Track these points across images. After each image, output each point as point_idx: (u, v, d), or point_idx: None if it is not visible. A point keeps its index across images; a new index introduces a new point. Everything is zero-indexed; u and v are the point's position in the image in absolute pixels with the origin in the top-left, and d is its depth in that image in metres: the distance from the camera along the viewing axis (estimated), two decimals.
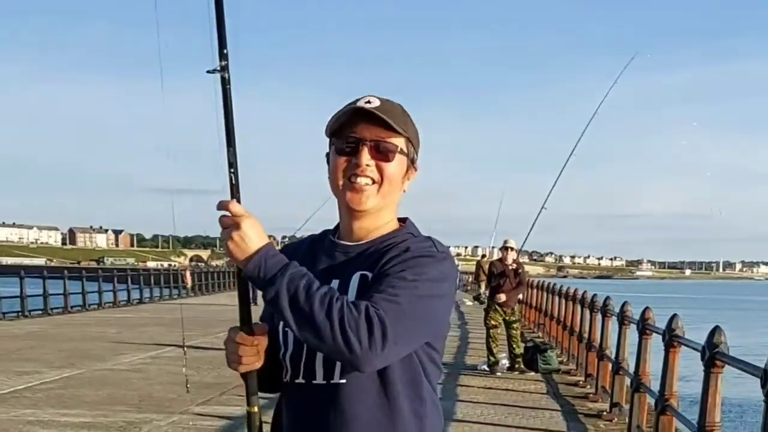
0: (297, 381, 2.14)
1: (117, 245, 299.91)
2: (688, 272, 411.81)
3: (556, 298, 17.14)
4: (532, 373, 12.55)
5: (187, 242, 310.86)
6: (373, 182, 2.12)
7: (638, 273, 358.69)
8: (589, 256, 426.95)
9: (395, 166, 2.14)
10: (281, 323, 2.11)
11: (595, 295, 12.45)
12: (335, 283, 2.09)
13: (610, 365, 10.04)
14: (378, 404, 2.09)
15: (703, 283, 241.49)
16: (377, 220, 2.19)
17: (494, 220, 33.01)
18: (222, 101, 2.07)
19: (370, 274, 2.09)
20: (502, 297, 12.71)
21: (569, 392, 11.08)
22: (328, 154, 2.18)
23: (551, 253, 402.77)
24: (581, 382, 11.81)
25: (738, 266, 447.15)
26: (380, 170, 2.12)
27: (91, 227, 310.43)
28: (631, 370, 8.64)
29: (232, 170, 2.07)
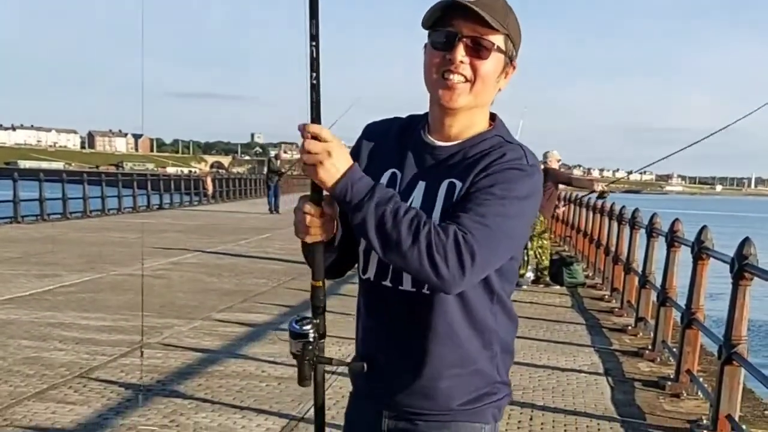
0: (383, 283, 2.12)
1: (137, 150, 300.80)
2: (719, 188, 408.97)
3: (584, 211, 16.92)
4: (557, 287, 12.44)
5: (207, 148, 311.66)
6: (466, 80, 2.03)
7: (668, 188, 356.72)
8: (618, 170, 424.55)
9: (491, 64, 2.04)
10: None
11: (623, 207, 12.23)
12: (422, 185, 2.08)
13: (636, 279, 9.89)
14: (457, 316, 2.09)
15: (734, 199, 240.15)
16: (468, 119, 2.10)
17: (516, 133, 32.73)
18: None
19: (458, 183, 2.03)
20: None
21: (594, 306, 10.96)
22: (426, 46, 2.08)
23: (579, 166, 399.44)
24: (606, 297, 11.71)
25: None
26: (474, 68, 2.03)
27: (110, 131, 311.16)
28: (658, 284, 8.49)
29: (314, 43, 1.94)
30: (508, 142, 2.09)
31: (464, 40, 2.01)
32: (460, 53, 2.01)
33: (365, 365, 2.17)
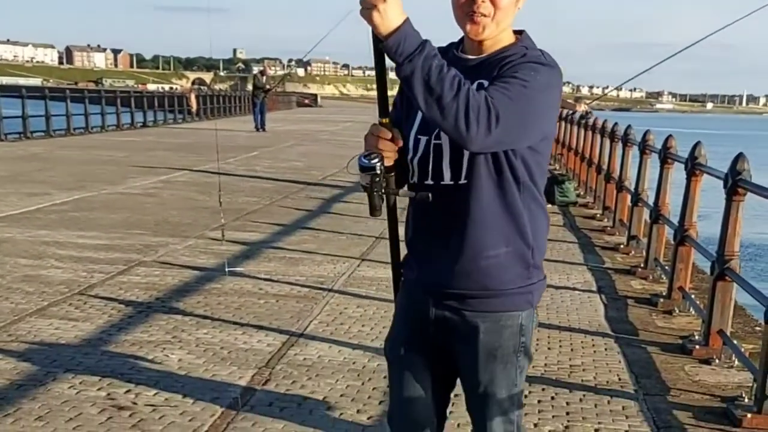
0: (426, 182, 2.46)
1: (116, 66, 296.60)
2: (709, 105, 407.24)
3: (574, 128, 16.72)
4: (549, 206, 12.45)
5: (189, 64, 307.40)
6: (487, 15, 2.36)
7: (658, 105, 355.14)
8: (608, 87, 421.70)
9: None
10: (412, 131, 2.46)
11: (615, 123, 12.14)
12: None
13: (628, 197, 9.94)
14: (491, 203, 2.41)
15: (725, 117, 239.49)
16: (497, 38, 2.43)
17: None
18: None
19: (485, 82, 2.30)
20: None
21: (586, 225, 11.04)
22: None
23: (568, 83, 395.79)
24: (598, 215, 11.77)
25: (762, 100, 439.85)
26: (494, 3, 2.35)
27: (88, 46, 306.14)
28: (650, 202, 8.54)
29: None
30: (533, 49, 2.42)
31: None
32: None
33: (429, 195, 2.40)
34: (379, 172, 2.36)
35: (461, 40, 2.50)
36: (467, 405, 2.68)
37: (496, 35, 2.41)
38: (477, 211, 2.40)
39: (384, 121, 2.40)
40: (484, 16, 2.35)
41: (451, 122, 2.15)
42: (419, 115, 2.43)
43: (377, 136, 2.39)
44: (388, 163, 2.39)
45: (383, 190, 2.40)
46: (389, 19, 2.11)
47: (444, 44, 2.53)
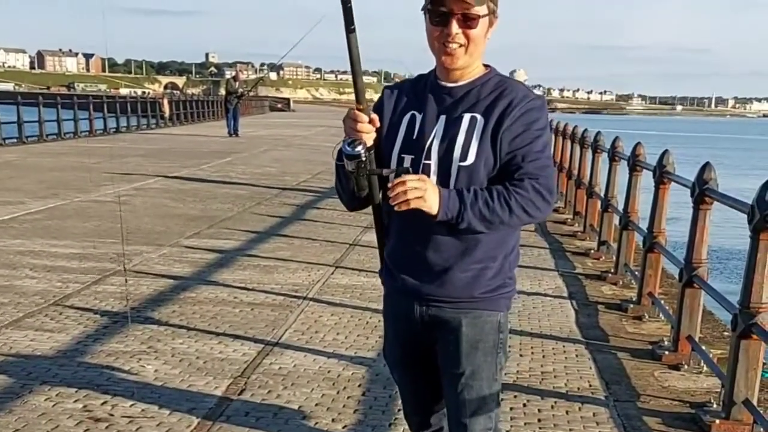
0: None
1: (88, 70, 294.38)
2: (679, 108, 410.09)
3: None
4: None
5: (161, 68, 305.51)
6: (461, 46, 2.56)
7: (628, 108, 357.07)
8: (578, 90, 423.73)
9: (479, 30, 2.56)
10: (395, 149, 2.64)
11: (585, 130, 12.31)
12: (442, 119, 2.60)
13: (599, 203, 10.07)
14: None
15: (694, 120, 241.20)
16: (469, 66, 2.64)
17: None
18: None
19: (479, 117, 2.57)
20: None
21: (557, 230, 11.14)
22: (423, 9, 2.58)
23: (539, 86, 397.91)
24: (569, 220, 11.89)
25: (731, 102, 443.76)
26: (467, 36, 2.55)
27: (60, 50, 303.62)
28: (620, 208, 8.66)
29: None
30: (508, 79, 2.68)
31: (456, 16, 2.51)
32: (454, 27, 2.53)
33: (410, 168, 2.58)
34: (364, 158, 2.54)
35: (433, 71, 2.71)
36: (446, 402, 2.82)
37: (469, 65, 2.61)
38: (463, 230, 2.56)
39: (360, 107, 2.57)
40: (458, 47, 2.55)
41: (523, 223, 2.59)
42: (401, 133, 2.65)
43: (355, 120, 2.55)
44: (369, 143, 2.56)
45: (368, 172, 2.58)
46: (434, 202, 2.45)
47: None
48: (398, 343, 2.90)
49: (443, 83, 2.66)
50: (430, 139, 2.58)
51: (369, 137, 2.56)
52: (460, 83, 2.64)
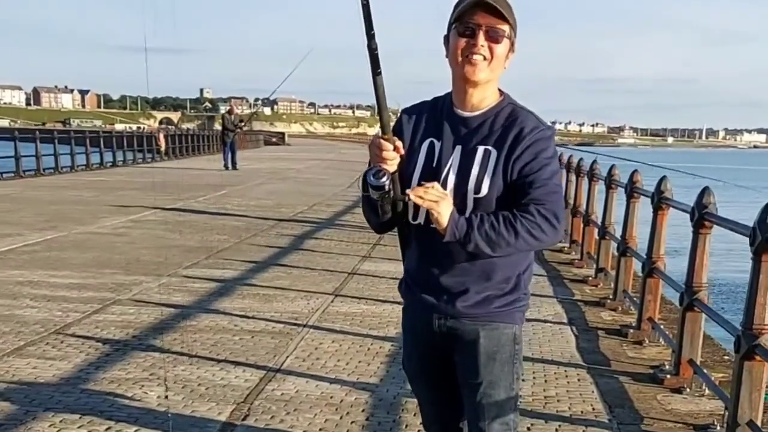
0: (432, 226, 2.63)
1: (83, 106, 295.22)
2: (670, 140, 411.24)
3: None
4: None
5: (156, 104, 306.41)
6: (485, 59, 2.66)
7: (620, 140, 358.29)
8: (570, 122, 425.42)
9: (502, 47, 2.67)
10: (415, 175, 2.72)
11: (581, 159, 12.39)
12: (458, 149, 2.72)
13: (596, 230, 10.10)
14: None
15: (686, 151, 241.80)
16: (485, 91, 2.73)
17: None
18: None
19: (493, 150, 2.67)
20: None
21: (554, 258, 11.17)
22: (446, 37, 2.71)
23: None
24: (566, 248, 11.92)
25: (721, 134, 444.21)
26: (491, 50, 2.65)
27: (56, 87, 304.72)
28: (617, 235, 8.69)
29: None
30: (521, 109, 2.75)
31: (483, 28, 2.62)
32: (481, 39, 2.63)
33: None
34: (387, 189, 2.63)
35: (448, 94, 2.81)
36: (466, 411, 2.88)
37: (487, 84, 2.71)
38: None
39: (386, 137, 2.66)
40: (482, 60, 2.65)
41: (531, 247, 2.66)
42: (421, 160, 2.75)
43: (380, 148, 2.65)
44: (392, 169, 2.65)
45: (392, 199, 2.67)
46: (447, 212, 2.56)
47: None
48: (417, 354, 2.98)
49: (459, 111, 2.76)
50: (446, 170, 2.69)
51: (393, 164, 2.65)
52: (475, 113, 2.74)
